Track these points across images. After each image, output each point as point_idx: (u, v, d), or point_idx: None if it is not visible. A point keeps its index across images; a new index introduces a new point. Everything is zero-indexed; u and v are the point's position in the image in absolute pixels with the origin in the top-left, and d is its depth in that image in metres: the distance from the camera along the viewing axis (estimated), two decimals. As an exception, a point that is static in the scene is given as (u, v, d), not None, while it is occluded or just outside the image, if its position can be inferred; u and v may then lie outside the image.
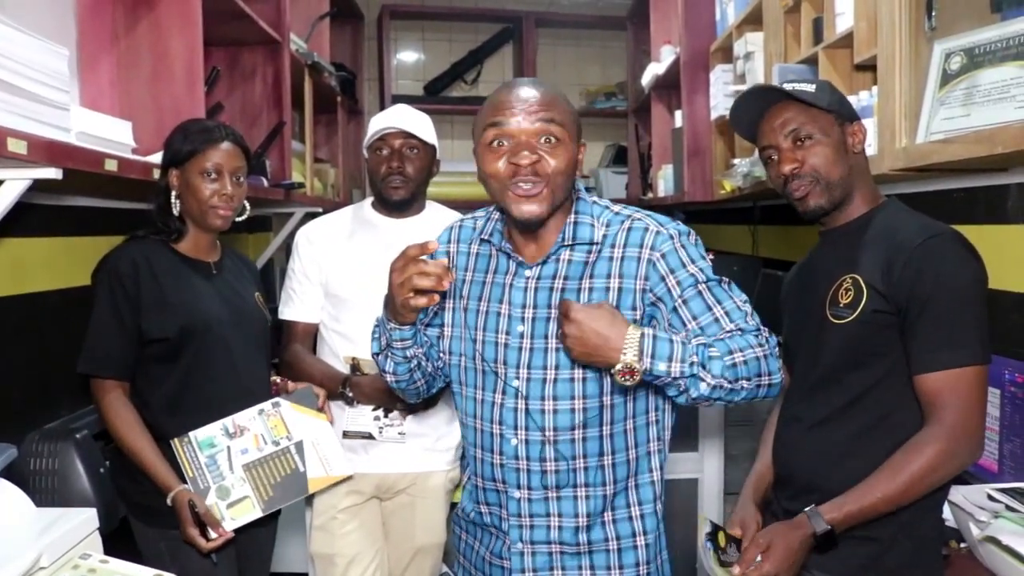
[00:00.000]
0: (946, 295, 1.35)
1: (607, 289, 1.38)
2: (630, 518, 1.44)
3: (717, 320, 1.33)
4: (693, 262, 1.37)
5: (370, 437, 2.03)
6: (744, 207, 3.53)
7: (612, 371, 1.25)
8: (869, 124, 1.56)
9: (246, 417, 1.80)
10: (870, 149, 1.58)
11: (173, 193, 1.79)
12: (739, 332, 1.31)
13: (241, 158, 1.82)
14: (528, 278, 1.42)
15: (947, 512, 1.43)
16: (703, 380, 1.25)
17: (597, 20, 5.36)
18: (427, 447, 2.07)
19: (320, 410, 1.90)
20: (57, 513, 1.36)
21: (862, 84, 2.04)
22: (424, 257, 1.29)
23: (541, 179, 1.33)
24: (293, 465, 1.82)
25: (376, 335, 1.48)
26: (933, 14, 1.70)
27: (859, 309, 1.41)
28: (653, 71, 4.12)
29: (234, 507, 1.74)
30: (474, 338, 1.46)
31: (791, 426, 1.56)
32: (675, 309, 1.35)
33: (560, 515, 1.43)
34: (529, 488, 1.43)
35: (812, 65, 2.25)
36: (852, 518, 1.36)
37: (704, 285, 1.35)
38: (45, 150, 1.36)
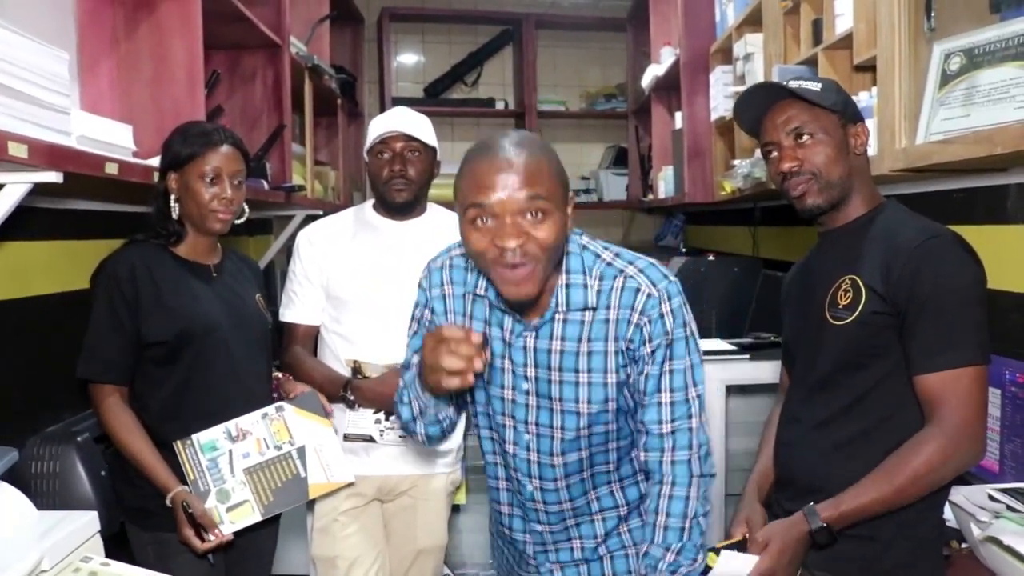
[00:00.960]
0: (945, 296, 1.34)
1: (605, 353, 1.38)
2: (642, 526, 1.47)
3: (659, 405, 1.38)
4: (674, 330, 1.37)
5: (371, 440, 2.03)
6: (744, 208, 3.53)
7: None
8: (869, 125, 1.56)
9: (249, 421, 1.80)
10: (870, 150, 1.58)
11: (172, 196, 1.79)
12: (671, 466, 1.38)
13: (240, 161, 1.82)
14: (527, 337, 1.40)
15: (948, 512, 1.43)
16: (695, 566, 1.36)
17: (597, 22, 5.36)
18: (428, 450, 2.07)
19: (327, 415, 1.90)
20: (58, 516, 1.36)
21: (862, 85, 2.04)
22: (457, 332, 1.23)
23: (530, 258, 1.27)
24: (294, 470, 1.82)
25: (406, 400, 1.45)
26: (932, 15, 1.70)
27: (858, 310, 1.41)
28: (653, 72, 4.12)
29: (233, 511, 1.74)
30: (484, 388, 1.46)
31: (791, 427, 1.56)
32: (641, 374, 1.38)
33: (581, 537, 1.50)
34: (549, 524, 1.49)
35: (812, 66, 2.25)
36: (848, 516, 1.36)
37: (667, 364, 1.37)
38: (46, 154, 1.36)
